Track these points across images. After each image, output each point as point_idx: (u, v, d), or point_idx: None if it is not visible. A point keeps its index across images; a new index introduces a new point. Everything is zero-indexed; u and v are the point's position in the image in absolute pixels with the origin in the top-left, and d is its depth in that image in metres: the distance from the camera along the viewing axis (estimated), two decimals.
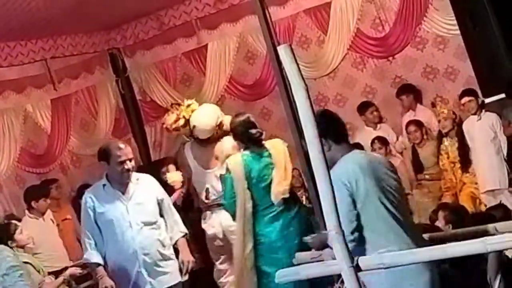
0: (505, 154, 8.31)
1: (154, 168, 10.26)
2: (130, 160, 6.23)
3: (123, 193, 6.27)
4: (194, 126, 7.36)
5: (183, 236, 6.49)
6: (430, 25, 9.16)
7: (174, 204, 7.60)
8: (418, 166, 9.03)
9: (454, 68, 9.28)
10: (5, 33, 8.75)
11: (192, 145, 7.57)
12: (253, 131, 6.82)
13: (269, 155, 6.84)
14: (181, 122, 7.45)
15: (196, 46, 10.52)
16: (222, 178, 7.04)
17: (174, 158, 8.76)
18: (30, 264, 6.98)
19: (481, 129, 8.34)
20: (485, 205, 8.19)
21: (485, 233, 4.44)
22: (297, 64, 3.78)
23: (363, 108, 9.64)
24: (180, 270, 6.41)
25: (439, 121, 8.81)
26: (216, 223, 7.40)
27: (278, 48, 3.84)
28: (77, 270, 7.15)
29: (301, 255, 5.19)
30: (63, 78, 10.22)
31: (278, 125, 9.74)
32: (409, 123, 9.04)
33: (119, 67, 10.91)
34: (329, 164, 4.71)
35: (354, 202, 4.48)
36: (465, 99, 8.46)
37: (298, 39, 9.98)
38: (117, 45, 10.79)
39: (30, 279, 6.40)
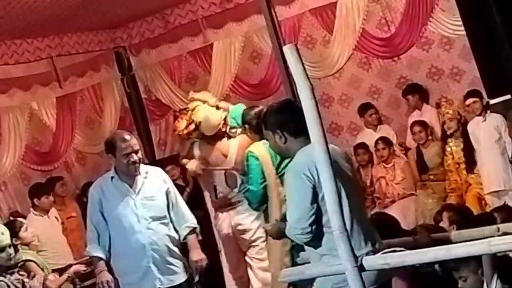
0: (510, 155, 8.30)
1: (159, 167, 10.30)
2: (136, 152, 5.99)
3: (131, 187, 6.05)
4: (200, 122, 7.37)
5: (193, 231, 6.22)
6: (436, 26, 9.16)
7: None
8: (422, 167, 9.03)
9: (460, 68, 9.27)
10: (11, 30, 8.77)
11: (200, 143, 7.58)
12: None
13: None
14: (192, 126, 7.46)
15: (201, 45, 10.53)
16: (247, 167, 6.82)
17: (185, 155, 8.69)
18: (34, 261, 6.99)
19: (486, 130, 8.33)
20: (490, 206, 8.18)
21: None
22: (303, 64, 3.79)
23: (362, 110, 9.67)
24: (186, 269, 6.16)
25: (444, 122, 8.80)
26: (227, 223, 7.41)
27: (284, 47, 3.85)
28: (81, 268, 7.12)
29: (306, 255, 5.19)
30: (69, 76, 10.24)
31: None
32: (414, 123, 9.03)
33: (125, 66, 10.93)
34: (285, 156, 4.75)
35: (316, 194, 4.43)
36: (470, 100, 8.44)
37: (304, 39, 9.97)
38: (122, 43, 10.81)
39: None
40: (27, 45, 9.48)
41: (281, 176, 6.29)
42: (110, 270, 6.10)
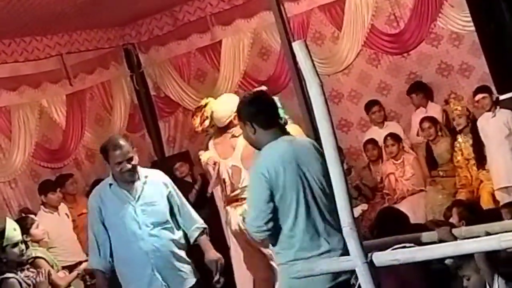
0: None
1: (168, 164, 10.32)
2: (129, 160, 5.78)
3: (130, 193, 5.84)
4: (212, 113, 7.36)
5: (203, 232, 6.06)
6: (445, 22, 9.15)
7: (187, 200, 7.55)
8: (432, 163, 9.02)
9: (469, 64, 9.26)
10: (20, 28, 8.79)
11: (214, 136, 7.58)
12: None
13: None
14: (207, 122, 7.45)
15: (210, 42, 10.53)
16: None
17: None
18: (44, 258, 7.01)
19: (496, 126, 8.31)
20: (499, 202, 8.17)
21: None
22: (312, 60, 3.79)
23: (368, 107, 9.70)
24: (194, 272, 6.00)
25: (453, 119, 8.80)
26: (233, 219, 7.39)
27: (293, 44, 3.85)
28: None
29: None
30: (78, 73, 10.25)
31: (292, 121, 9.73)
32: (423, 119, 9.02)
33: (134, 63, 10.95)
34: (257, 148, 4.77)
35: (272, 194, 4.47)
36: (480, 95, 8.43)
37: (313, 35, 9.97)
38: (131, 40, 10.83)
39: None
40: (37, 43, 9.50)
41: None
42: (114, 278, 5.96)
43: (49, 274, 6.69)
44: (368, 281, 3.81)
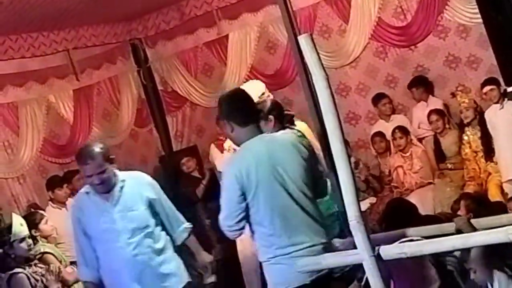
0: None
1: (176, 158, 10.33)
2: (100, 173, 5.48)
3: (108, 200, 5.59)
4: None
5: (190, 235, 5.80)
6: (452, 14, 9.12)
7: (195, 195, 7.60)
8: (440, 156, 9.01)
9: (477, 56, 9.22)
10: (27, 24, 8.80)
11: None
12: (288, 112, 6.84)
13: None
14: None
15: (217, 36, 10.52)
16: None
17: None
18: (52, 254, 7.03)
19: (503, 118, 8.28)
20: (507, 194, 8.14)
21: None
22: (318, 54, 3.78)
23: (376, 100, 9.68)
24: (182, 274, 5.74)
25: (460, 112, 8.77)
26: None
27: (299, 37, 3.84)
28: None
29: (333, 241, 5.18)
30: (85, 69, 10.25)
31: (299, 115, 9.68)
32: (431, 112, 9.01)
33: (141, 58, 10.94)
34: (236, 144, 4.80)
35: (243, 194, 4.54)
36: (487, 87, 8.41)
37: (319, 29, 9.95)
38: (138, 35, 10.82)
39: None
40: (44, 38, 9.51)
41: None
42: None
43: (59, 270, 6.71)
44: (375, 274, 3.80)
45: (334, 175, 4.61)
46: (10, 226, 6.50)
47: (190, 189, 9.45)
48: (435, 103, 9.29)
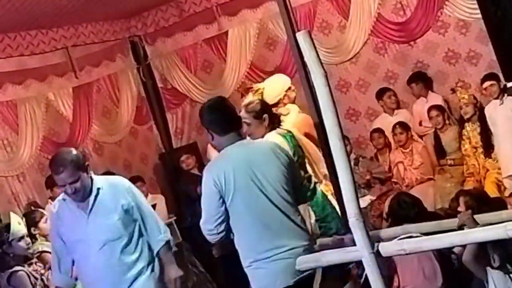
0: None
1: (175, 156, 10.32)
2: (71, 183, 5.25)
3: (82, 208, 5.39)
4: (263, 88, 7.24)
5: (165, 245, 5.51)
6: (451, 9, 9.11)
7: (195, 193, 7.52)
8: (440, 152, 9.00)
9: (476, 52, 9.22)
10: (26, 21, 8.79)
11: None
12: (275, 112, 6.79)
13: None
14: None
15: (216, 33, 10.51)
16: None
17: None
18: (50, 252, 7.02)
19: (503, 113, 8.27)
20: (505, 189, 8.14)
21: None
22: (316, 51, 3.77)
23: (381, 93, 9.65)
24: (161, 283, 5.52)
25: (460, 107, 8.76)
26: None
27: (297, 34, 3.83)
28: None
29: (323, 241, 5.19)
30: (85, 66, 10.24)
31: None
32: (431, 108, 9.01)
33: (140, 55, 10.94)
34: (219, 151, 4.85)
35: (222, 198, 4.61)
36: (487, 83, 8.40)
37: (319, 25, 9.94)
38: (138, 32, 10.81)
39: None
40: (42, 36, 9.48)
41: None
42: None
43: None
44: (374, 271, 3.79)
45: (333, 172, 4.61)
46: (8, 225, 6.51)
47: (190, 186, 9.43)
48: (435, 99, 9.28)
